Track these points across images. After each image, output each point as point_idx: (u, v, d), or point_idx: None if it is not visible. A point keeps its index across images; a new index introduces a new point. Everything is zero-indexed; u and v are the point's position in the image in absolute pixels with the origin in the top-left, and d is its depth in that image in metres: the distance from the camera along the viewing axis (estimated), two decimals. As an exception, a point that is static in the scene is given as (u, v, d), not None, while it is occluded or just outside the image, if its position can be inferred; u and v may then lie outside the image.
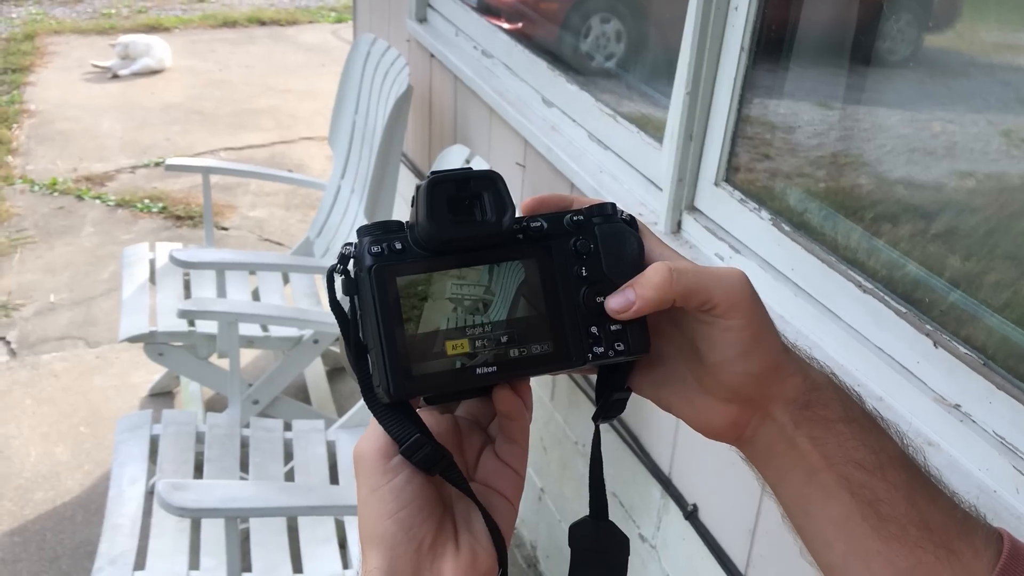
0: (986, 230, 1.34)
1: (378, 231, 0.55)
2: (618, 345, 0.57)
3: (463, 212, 0.55)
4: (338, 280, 0.56)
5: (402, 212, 3.11)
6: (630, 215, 0.60)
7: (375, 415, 0.55)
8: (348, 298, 0.56)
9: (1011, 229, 1.31)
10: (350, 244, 0.55)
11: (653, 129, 1.93)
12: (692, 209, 1.79)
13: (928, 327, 1.27)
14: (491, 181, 0.56)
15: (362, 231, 0.55)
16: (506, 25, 2.68)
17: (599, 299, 0.57)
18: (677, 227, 1.81)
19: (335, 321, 0.56)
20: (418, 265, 0.55)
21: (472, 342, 0.55)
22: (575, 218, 0.59)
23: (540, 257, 0.57)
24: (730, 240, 1.68)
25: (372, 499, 0.54)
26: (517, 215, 0.58)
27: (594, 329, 0.57)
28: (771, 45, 1.63)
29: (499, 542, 0.56)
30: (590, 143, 2.12)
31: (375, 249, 0.54)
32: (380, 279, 0.54)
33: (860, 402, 0.58)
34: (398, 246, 0.55)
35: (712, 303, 0.55)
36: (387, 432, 0.55)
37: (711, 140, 1.72)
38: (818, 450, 0.56)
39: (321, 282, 3.23)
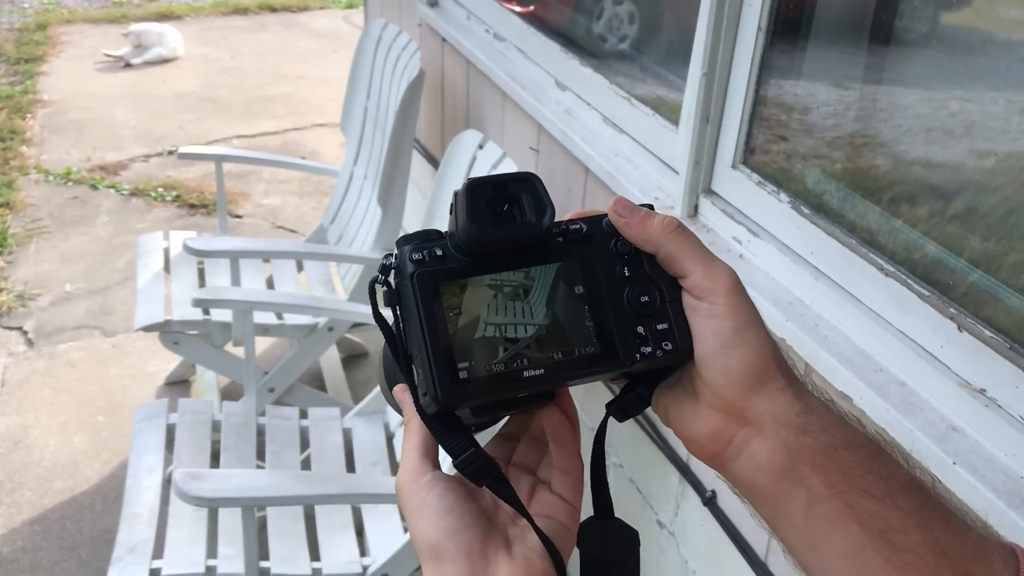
0: (1006, 210, 1.32)
1: (418, 240, 0.55)
2: (666, 344, 0.57)
3: (502, 216, 0.55)
4: (380, 292, 0.56)
5: (415, 198, 3.10)
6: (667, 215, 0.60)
7: (431, 429, 0.56)
8: (391, 310, 0.55)
9: (1033, 209, 1.29)
10: (391, 255, 0.55)
11: (668, 111, 1.91)
12: (709, 192, 1.77)
13: (952, 310, 1.25)
14: (529, 183, 0.56)
15: (402, 241, 0.55)
16: (518, 8, 2.65)
17: (643, 298, 0.57)
18: (694, 211, 1.79)
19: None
20: (460, 270, 0.54)
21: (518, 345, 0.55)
22: None
23: (582, 258, 0.57)
24: (748, 224, 1.66)
25: (415, 518, 0.55)
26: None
27: (640, 329, 0.57)
28: (787, 24, 1.61)
29: (554, 553, 0.56)
30: (605, 126, 2.10)
31: (416, 256, 0.54)
32: (423, 285, 0.53)
33: (861, 426, 0.56)
34: (439, 252, 0.54)
35: (686, 274, 0.56)
36: (442, 446, 0.56)
37: (728, 122, 1.70)
38: (819, 478, 0.53)
39: (335, 269, 3.23)
